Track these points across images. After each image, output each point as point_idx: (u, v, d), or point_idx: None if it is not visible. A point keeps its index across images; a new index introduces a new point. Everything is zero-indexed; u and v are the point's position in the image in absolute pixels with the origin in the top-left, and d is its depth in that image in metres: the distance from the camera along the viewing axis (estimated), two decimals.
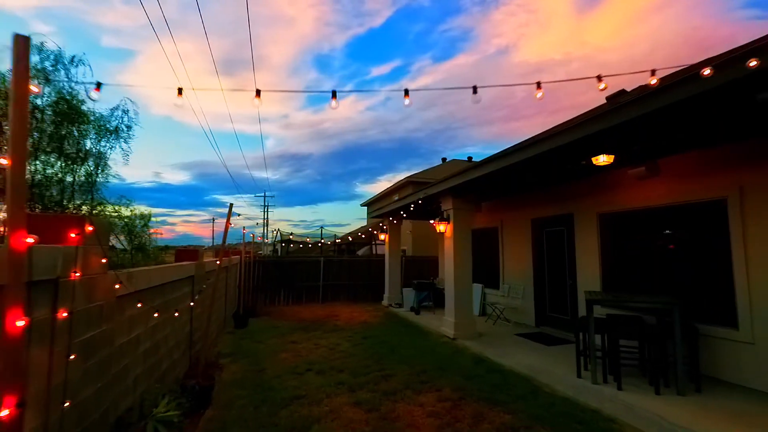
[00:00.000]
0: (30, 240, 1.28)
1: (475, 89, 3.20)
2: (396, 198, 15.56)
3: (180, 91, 3.00)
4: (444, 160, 27.17)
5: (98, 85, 2.88)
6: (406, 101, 3.42)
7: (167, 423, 2.91)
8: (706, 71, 2.38)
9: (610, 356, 4.76)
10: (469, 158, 26.86)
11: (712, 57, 2.65)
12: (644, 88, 3.25)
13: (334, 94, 3.25)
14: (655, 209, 5.64)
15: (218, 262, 4.76)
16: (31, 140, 3.80)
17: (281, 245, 19.78)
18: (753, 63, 2.07)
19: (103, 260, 2.61)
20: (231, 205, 4.65)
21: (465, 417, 3.81)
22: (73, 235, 2.30)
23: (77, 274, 2.30)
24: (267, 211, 39.03)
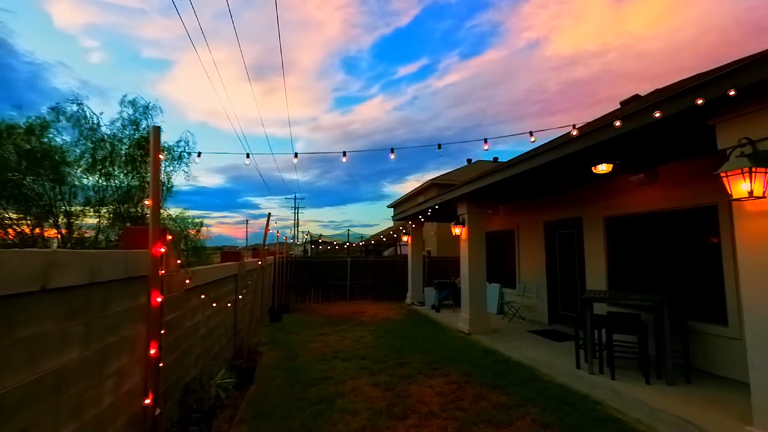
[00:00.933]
0: (162, 249, 2.04)
1: (439, 146, 3.84)
2: (421, 200, 16.16)
3: (247, 155, 3.80)
4: (469, 161, 27.36)
5: (199, 154, 3.76)
6: (392, 156, 4.11)
7: (224, 388, 3.71)
8: (617, 122, 2.91)
9: (608, 350, 5.21)
10: (495, 159, 26.87)
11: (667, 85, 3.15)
12: (661, 93, 3.72)
13: (344, 153, 4.00)
14: (655, 213, 6.02)
15: (260, 263, 5.59)
16: (110, 164, 4.84)
17: (311, 246, 20.83)
18: (657, 114, 2.57)
19: (178, 261, 3.42)
20: (269, 214, 5.47)
21: (467, 396, 4.42)
22: (161, 241, 3.11)
23: (163, 272, 3.10)
24: (297, 213, 40.57)
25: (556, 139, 4.74)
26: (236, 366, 4.87)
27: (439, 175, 22.87)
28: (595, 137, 3.92)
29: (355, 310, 11.32)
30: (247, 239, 42.78)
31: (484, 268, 8.01)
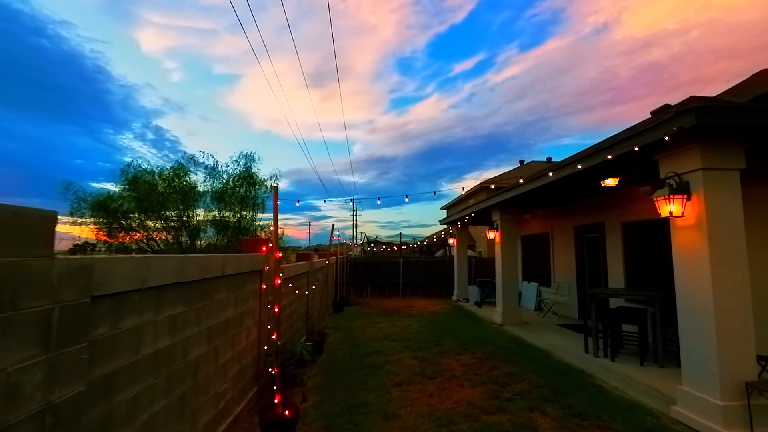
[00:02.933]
0: (279, 254, 3.64)
1: (434, 193, 5.09)
2: (471, 202, 17.24)
3: (324, 200, 5.36)
4: (522, 162, 27.66)
5: (298, 200, 5.46)
6: (406, 199, 5.41)
7: (306, 349, 5.35)
8: (562, 167, 4.02)
9: (611, 337, 6.15)
10: (549, 159, 26.98)
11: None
12: (689, 101, 4.68)
13: (378, 198, 5.42)
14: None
15: (327, 262, 7.25)
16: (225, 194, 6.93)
17: (367, 247, 22.68)
18: (609, 156, 3.64)
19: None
20: (333, 225, 7.10)
21: (484, 367, 5.68)
22: (264, 248, 4.79)
23: (267, 268, 4.78)
24: (355, 216, 42.89)
25: (557, 162, 5.80)
26: (310, 340, 6.54)
27: (489, 177, 23.61)
28: (571, 168, 5.01)
29: (405, 304, 12.78)
30: (309, 240, 45.93)
31: (516, 268, 9.07)
